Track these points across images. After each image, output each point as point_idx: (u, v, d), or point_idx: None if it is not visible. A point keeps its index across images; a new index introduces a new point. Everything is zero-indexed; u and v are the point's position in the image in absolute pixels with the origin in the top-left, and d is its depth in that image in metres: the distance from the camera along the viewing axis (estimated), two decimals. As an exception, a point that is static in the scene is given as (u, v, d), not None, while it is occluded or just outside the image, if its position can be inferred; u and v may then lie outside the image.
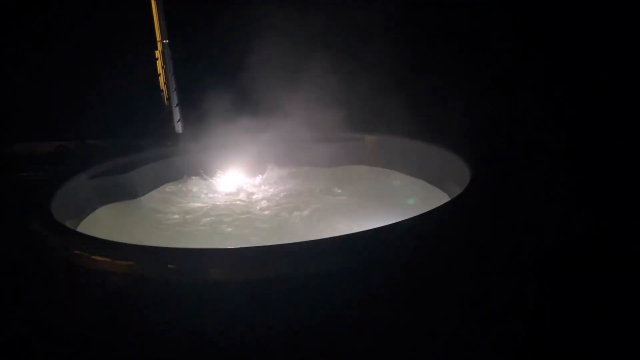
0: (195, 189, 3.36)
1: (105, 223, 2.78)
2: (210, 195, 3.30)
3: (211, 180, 3.49)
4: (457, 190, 2.45)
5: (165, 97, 3.69)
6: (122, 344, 1.89)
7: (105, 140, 4.08)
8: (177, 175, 3.50)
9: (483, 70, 3.39)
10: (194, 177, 3.49)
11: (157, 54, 3.57)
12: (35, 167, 3.64)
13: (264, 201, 3.13)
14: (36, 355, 1.91)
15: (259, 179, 3.51)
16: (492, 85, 3.33)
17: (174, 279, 1.83)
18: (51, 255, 2.10)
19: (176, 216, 2.94)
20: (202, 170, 3.52)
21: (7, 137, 4.18)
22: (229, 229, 2.75)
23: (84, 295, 2.00)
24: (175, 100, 3.69)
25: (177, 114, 3.73)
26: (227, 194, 3.32)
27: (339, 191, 3.21)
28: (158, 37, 3.54)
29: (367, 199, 3.06)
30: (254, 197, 3.23)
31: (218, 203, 3.16)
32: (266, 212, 2.94)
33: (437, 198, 2.86)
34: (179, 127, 3.76)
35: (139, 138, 3.84)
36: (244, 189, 3.38)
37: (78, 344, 1.92)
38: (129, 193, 3.16)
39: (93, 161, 3.19)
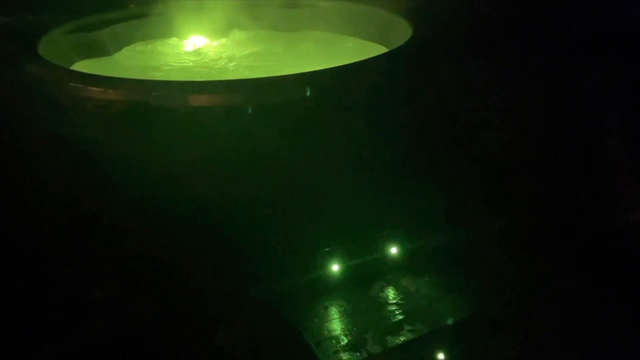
0: (162, 49, 3.63)
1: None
2: (178, 53, 3.59)
3: (177, 41, 3.73)
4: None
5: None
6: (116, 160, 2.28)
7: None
8: (145, 36, 3.72)
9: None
10: (161, 39, 3.73)
11: None
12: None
13: (229, 58, 3.45)
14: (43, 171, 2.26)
15: (222, 40, 3.78)
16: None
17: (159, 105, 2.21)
18: (49, 92, 2.42)
19: (147, 71, 3.25)
20: (168, 32, 3.75)
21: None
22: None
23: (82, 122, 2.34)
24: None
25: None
26: (193, 53, 3.61)
27: (299, 49, 3.56)
28: None
29: (323, 56, 3.42)
30: (219, 55, 3.54)
31: (185, 61, 3.47)
32: (231, 65, 3.31)
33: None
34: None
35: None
36: (209, 48, 3.67)
37: (79, 159, 2.29)
38: (102, 51, 3.42)
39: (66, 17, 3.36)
